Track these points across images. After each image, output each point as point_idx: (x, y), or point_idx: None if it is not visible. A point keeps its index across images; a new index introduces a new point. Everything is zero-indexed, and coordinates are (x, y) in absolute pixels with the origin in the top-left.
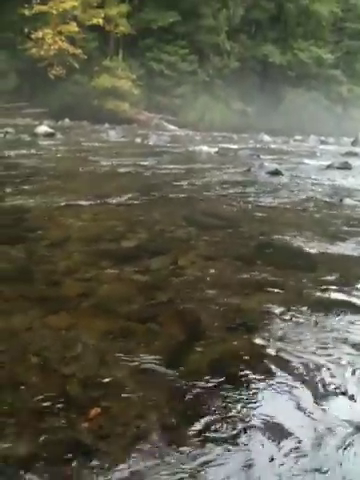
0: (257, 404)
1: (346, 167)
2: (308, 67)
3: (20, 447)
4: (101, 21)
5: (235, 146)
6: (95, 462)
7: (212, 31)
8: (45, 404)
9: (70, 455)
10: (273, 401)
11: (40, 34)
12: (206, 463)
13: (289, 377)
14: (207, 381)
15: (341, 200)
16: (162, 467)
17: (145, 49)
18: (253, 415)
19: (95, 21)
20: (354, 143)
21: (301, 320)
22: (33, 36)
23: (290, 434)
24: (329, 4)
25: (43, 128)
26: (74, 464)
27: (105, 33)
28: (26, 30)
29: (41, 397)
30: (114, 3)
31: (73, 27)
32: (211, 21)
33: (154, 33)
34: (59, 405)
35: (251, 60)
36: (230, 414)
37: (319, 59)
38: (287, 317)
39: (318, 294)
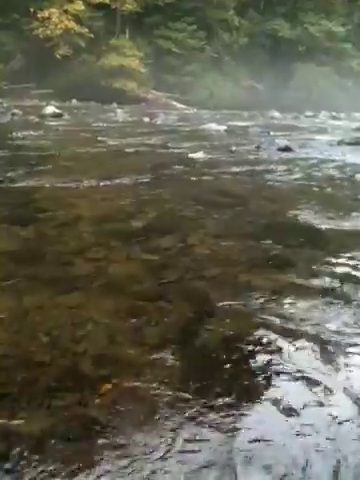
0: (268, 381)
1: (357, 143)
2: (318, 41)
3: (33, 424)
4: None
5: (245, 123)
6: (107, 438)
7: (220, 6)
8: (57, 381)
9: (82, 431)
10: (283, 378)
11: (46, 13)
12: (218, 438)
13: (299, 354)
14: (217, 358)
15: (352, 176)
16: (174, 442)
17: (152, 26)
18: (264, 391)
19: None
20: None
21: (311, 297)
22: (39, 16)
23: (298, 411)
24: None
25: (51, 109)
26: (86, 440)
27: (111, 11)
28: (32, 10)
29: (53, 374)
30: None
31: (79, 5)
32: None
33: (161, 10)
34: (71, 382)
35: (260, 36)
36: (240, 390)
37: (330, 33)
38: (297, 294)
39: (329, 271)
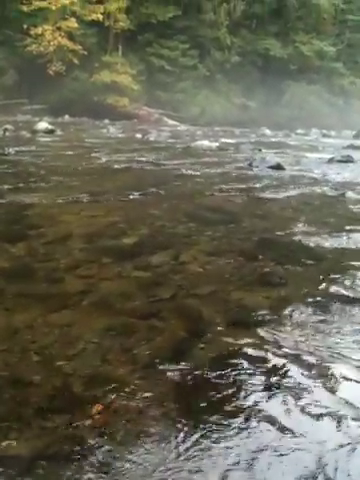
0: (260, 400)
1: (348, 160)
2: (309, 60)
3: (23, 445)
4: (100, 16)
5: (236, 140)
6: (98, 459)
7: (213, 25)
8: (47, 402)
9: (73, 453)
10: (276, 397)
11: (39, 30)
12: (209, 458)
13: (292, 372)
14: (209, 377)
15: (343, 194)
16: (166, 463)
17: (145, 44)
18: (256, 411)
19: (94, 17)
20: (356, 136)
21: (303, 315)
22: (32, 32)
23: (291, 430)
24: None
25: (43, 124)
26: (77, 462)
27: (104, 28)
28: (25, 26)
29: (43, 394)
30: None
31: (72, 23)
32: (212, 15)
33: (154, 28)
34: (62, 402)
35: (252, 54)
36: (232, 410)
37: (320, 52)
38: (289, 312)
39: (320, 289)
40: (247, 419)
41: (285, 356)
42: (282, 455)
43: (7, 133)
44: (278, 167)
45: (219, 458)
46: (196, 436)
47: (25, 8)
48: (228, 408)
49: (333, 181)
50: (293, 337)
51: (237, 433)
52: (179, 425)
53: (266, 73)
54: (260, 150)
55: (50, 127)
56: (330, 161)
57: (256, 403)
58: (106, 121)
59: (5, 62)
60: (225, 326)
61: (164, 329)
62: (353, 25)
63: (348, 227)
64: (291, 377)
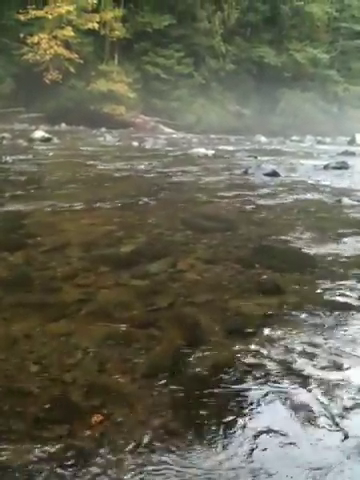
0: (258, 409)
1: (343, 167)
2: (304, 67)
3: (21, 456)
4: (96, 25)
5: (232, 148)
6: (98, 470)
7: (207, 34)
8: (46, 412)
9: (72, 463)
10: (274, 406)
11: (35, 39)
12: (209, 469)
13: (290, 382)
14: (208, 386)
15: (339, 200)
16: (165, 474)
17: (141, 53)
18: (255, 420)
19: (90, 25)
20: (350, 142)
21: (301, 323)
22: (29, 41)
23: (290, 441)
24: (323, 5)
25: (40, 133)
26: (76, 472)
27: (100, 37)
28: (21, 35)
29: (42, 405)
30: (109, 7)
31: (68, 31)
32: (206, 24)
33: (150, 36)
34: (60, 413)
35: (247, 62)
36: (231, 419)
37: (314, 59)
38: (287, 320)
39: (318, 296)
40: (247, 428)
41: (284, 364)
42: (283, 464)
43: (4, 141)
44: (274, 174)
45: (220, 468)
46: (196, 446)
47: (22, 17)
48: (228, 417)
49: (329, 187)
50: (291, 345)
51: (237, 443)
52: (179, 435)
53: (261, 81)
54: (256, 157)
55: (47, 135)
56: (325, 168)
57: (256, 412)
58: (103, 129)
59: (2, 70)
60: (223, 334)
61: (162, 338)
62: (346, 32)
63: (345, 233)
64: (290, 385)
